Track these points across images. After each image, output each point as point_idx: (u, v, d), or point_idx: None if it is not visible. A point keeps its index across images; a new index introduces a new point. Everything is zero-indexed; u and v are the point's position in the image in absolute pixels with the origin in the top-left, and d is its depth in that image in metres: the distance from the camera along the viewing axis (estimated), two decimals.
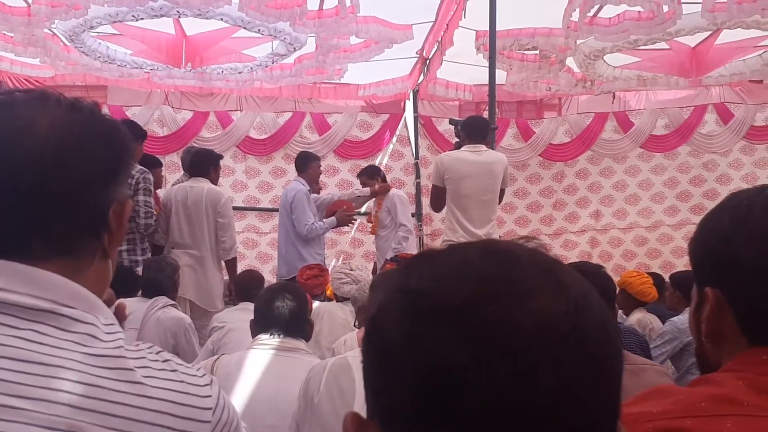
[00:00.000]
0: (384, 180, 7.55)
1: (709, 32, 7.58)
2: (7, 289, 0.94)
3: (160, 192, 6.42)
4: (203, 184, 5.98)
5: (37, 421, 0.87)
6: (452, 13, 7.51)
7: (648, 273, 6.13)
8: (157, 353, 1.03)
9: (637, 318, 5.49)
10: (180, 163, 7.50)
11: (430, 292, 0.66)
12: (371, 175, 7.44)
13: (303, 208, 6.67)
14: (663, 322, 5.20)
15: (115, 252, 1.10)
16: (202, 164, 6.06)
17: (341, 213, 6.74)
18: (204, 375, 1.04)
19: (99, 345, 0.95)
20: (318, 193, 7.14)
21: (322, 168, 7.92)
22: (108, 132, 1.06)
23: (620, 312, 5.64)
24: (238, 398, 2.89)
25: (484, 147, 5.65)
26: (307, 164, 6.93)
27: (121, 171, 1.06)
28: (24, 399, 0.88)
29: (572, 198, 10.42)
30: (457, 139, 6.06)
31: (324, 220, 6.72)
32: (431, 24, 8.14)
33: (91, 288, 1.02)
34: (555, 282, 0.66)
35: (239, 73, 8.43)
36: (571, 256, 10.20)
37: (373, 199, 7.46)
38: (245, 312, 4.04)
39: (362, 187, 7.48)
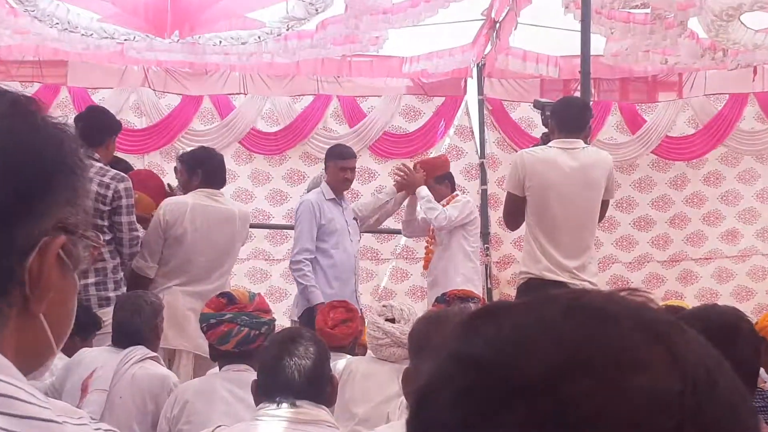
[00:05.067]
0: (452, 186, 7.40)
1: None
2: None
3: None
4: (225, 200, 6.25)
5: None
6: None
7: None
8: (95, 429, 1.02)
9: None
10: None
11: (496, 362, 0.66)
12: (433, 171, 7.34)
13: (303, 225, 6.77)
14: None
15: (57, 306, 1.08)
16: (220, 171, 6.22)
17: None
18: None
19: (19, 407, 0.95)
20: (340, 199, 7.05)
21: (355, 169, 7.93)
22: (22, 150, 1.04)
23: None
24: None
25: (581, 142, 5.61)
26: (326, 162, 7.04)
27: (43, 202, 1.04)
28: None
29: (698, 212, 10.30)
30: (545, 130, 6.05)
31: (315, 290, 6.54)
32: None
33: (12, 354, 1.02)
34: (667, 351, 0.65)
35: (243, 43, 8.51)
36: (688, 294, 10.07)
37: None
38: (208, 380, 4.12)
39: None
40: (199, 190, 6.07)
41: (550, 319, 0.68)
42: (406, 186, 7.25)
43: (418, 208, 7.26)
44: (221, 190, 6.21)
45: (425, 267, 7.39)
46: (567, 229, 5.55)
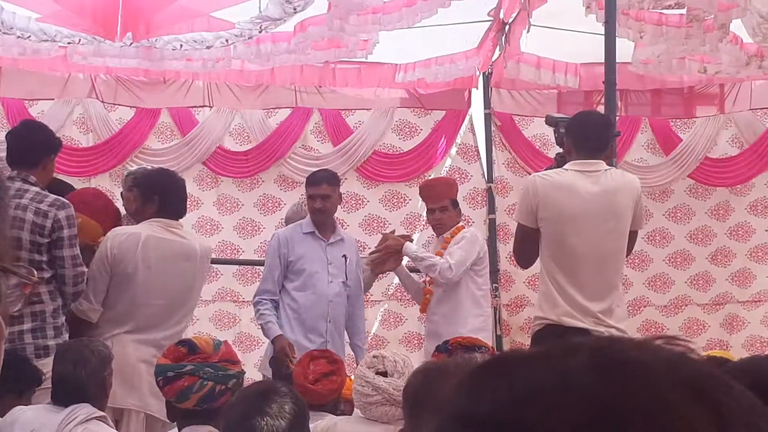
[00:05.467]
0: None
1: None
2: None
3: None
4: (185, 233, 6.22)
5: None
6: None
7: None
8: None
9: None
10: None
11: (509, 424, 0.66)
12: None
13: (266, 264, 7.06)
14: None
15: None
16: (180, 198, 6.20)
17: (282, 348, 6.59)
18: None
19: None
20: (327, 233, 7.11)
21: (339, 195, 7.97)
22: None
23: None
24: None
25: (602, 164, 5.64)
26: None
27: None
28: None
29: (743, 246, 10.32)
30: (559, 150, 6.07)
31: (272, 325, 6.76)
32: None
33: None
34: (712, 410, 0.66)
35: (208, 47, 8.53)
36: (734, 342, 10.05)
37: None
38: None
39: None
40: (153, 219, 6.04)
41: (572, 373, 0.68)
42: (388, 258, 7.27)
43: (415, 276, 7.31)
44: (180, 220, 6.21)
45: (422, 310, 7.38)
46: (589, 266, 5.55)
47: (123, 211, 6.77)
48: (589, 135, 5.68)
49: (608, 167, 5.70)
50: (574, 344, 0.72)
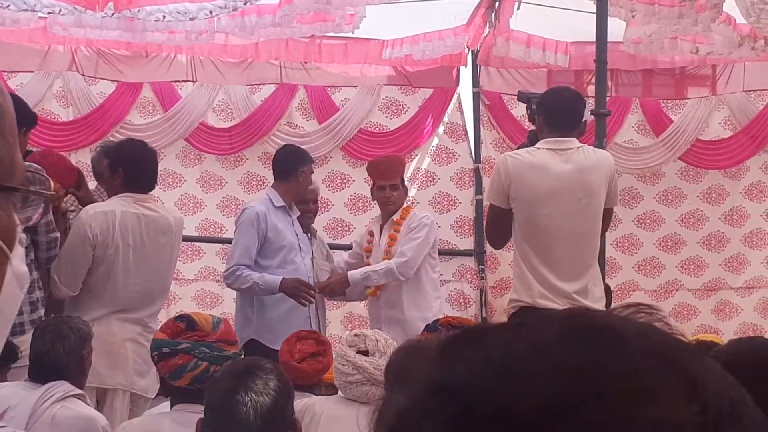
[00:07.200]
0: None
1: None
2: None
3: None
4: (157, 206, 6.24)
5: None
6: None
7: None
8: None
9: None
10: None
11: (483, 392, 0.68)
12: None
13: (240, 238, 6.84)
14: None
15: None
16: (151, 172, 6.21)
17: (294, 281, 6.68)
18: None
19: None
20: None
21: (324, 175, 7.91)
22: None
23: None
24: None
25: (575, 141, 5.68)
26: (291, 169, 7.01)
27: None
28: None
29: (737, 231, 10.32)
30: (532, 127, 6.10)
31: (265, 275, 6.72)
32: None
33: None
34: (683, 379, 0.68)
35: (191, 19, 8.51)
36: (726, 329, 10.05)
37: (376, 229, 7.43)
38: (155, 421, 4.11)
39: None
40: (123, 195, 6.04)
41: (545, 342, 0.70)
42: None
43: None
44: (163, 197, 6.23)
45: (373, 293, 7.26)
46: (563, 246, 5.60)
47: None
48: (561, 111, 5.71)
49: (581, 145, 5.73)
50: (546, 315, 0.73)
